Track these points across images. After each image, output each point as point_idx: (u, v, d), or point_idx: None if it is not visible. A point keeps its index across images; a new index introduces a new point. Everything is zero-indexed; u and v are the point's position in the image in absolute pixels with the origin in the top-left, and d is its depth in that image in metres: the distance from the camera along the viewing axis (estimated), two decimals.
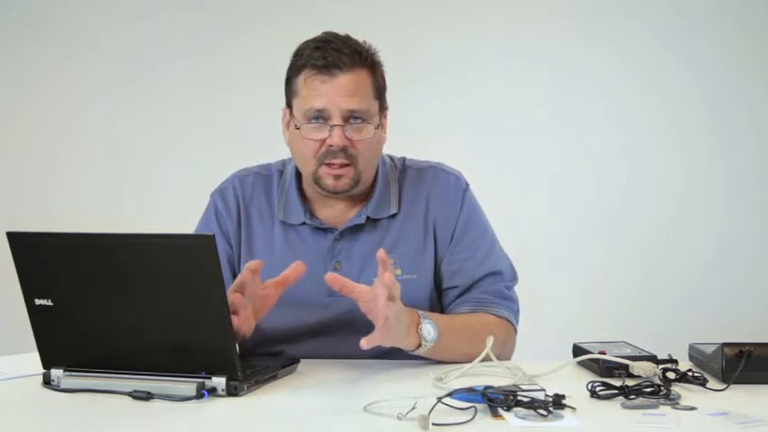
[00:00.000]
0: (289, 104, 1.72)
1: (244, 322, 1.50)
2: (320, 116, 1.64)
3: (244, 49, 3.47)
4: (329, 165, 1.66)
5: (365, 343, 1.36)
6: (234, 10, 3.50)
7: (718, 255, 3.41)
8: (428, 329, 1.54)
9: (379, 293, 1.40)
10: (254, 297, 1.52)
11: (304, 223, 1.74)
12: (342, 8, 3.36)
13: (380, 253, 1.42)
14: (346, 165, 1.66)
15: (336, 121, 1.64)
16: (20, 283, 1.40)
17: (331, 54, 1.63)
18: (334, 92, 1.63)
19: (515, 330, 1.75)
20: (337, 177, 1.67)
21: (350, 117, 1.64)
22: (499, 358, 1.53)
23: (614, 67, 3.44)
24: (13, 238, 1.38)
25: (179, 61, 3.49)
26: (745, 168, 3.43)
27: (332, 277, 1.44)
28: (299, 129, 1.66)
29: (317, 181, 1.68)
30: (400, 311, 1.47)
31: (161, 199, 3.43)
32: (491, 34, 3.44)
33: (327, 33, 1.69)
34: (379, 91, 1.71)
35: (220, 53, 3.49)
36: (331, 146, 1.64)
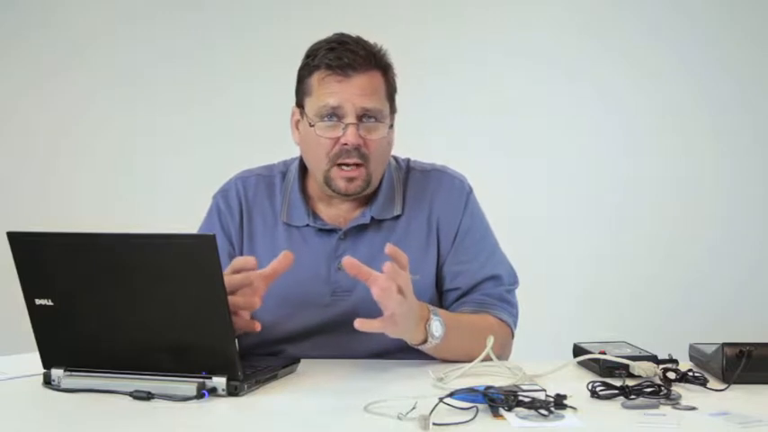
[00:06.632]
0: (299, 104, 1.72)
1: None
2: (334, 113, 1.65)
3: (244, 49, 3.47)
4: (342, 167, 1.66)
5: (359, 324, 1.36)
6: (234, 10, 3.50)
7: (719, 255, 3.40)
8: (436, 326, 1.54)
9: (392, 284, 1.40)
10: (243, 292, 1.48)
11: (307, 225, 1.74)
12: (342, 8, 3.36)
13: (390, 248, 1.42)
14: (359, 165, 1.66)
15: (351, 119, 1.64)
16: (20, 283, 1.40)
17: (346, 55, 1.64)
18: (348, 90, 1.64)
19: (513, 335, 1.76)
20: (350, 180, 1.67)
21: (363, 116, 1.65)
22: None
23: (614, 67, 3.43)
24: (13, 238, 1.38)
25: (179, 61, 3.49)
26: (745, 168, 3.43)
27: (349, 262, 1.42)
28: (312, 126, 1.66)
29: (328, 183, 1.68)
30: (410, 308, 1.47)
31: (161, 199, 3.42)
32: (491, 34, 3.44)
33: (340, 35, 1.70)
34: (391, 93, 1.72)
35: (220, 53, 3.48)
36: (345, 144, 1.65)
